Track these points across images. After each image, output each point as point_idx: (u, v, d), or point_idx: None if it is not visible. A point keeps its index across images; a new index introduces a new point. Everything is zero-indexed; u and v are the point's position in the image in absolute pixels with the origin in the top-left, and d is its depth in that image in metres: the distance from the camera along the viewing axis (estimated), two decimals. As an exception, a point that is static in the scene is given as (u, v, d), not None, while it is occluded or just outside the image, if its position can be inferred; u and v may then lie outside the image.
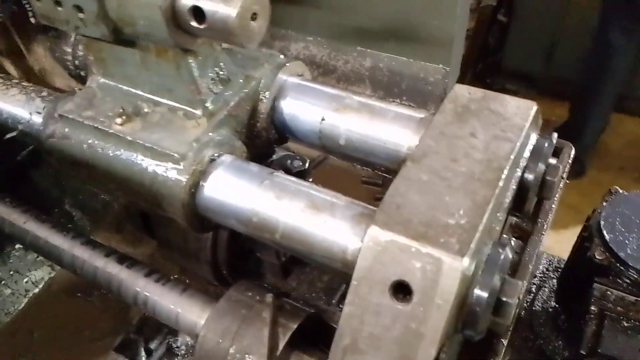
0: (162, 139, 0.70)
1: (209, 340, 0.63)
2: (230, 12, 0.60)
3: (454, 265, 0.51)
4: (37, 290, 1.21)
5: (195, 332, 0.67)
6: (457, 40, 1.15)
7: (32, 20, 0.83)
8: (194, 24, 0.62)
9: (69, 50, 0.89)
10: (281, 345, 0.60)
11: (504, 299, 0.55)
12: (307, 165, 0.82)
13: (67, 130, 0.73)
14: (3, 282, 1.20)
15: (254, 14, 0.63)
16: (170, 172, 0.68)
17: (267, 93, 0.78)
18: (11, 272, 1.21)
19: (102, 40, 0.71)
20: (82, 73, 0.89)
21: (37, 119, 0.79)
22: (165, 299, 0.72)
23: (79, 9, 0.66)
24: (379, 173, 1.21)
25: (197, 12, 0.61)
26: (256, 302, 0.64)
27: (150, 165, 0.69)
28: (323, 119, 0.75)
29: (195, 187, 0.68)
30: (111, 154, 0.71)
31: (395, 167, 0.74)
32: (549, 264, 1.15)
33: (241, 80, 0.76)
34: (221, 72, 0.74)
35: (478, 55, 3.29)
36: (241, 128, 0.77)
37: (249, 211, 0.65)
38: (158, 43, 0.67)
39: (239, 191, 0.66)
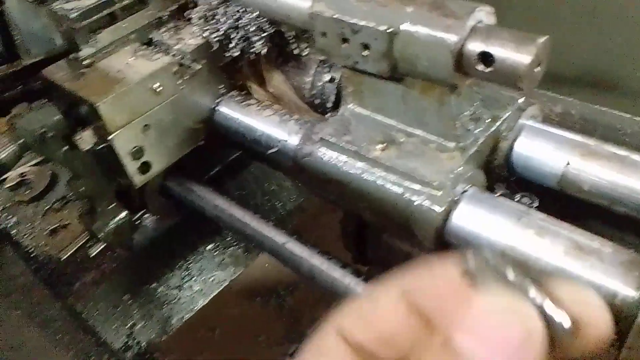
0: (418, 167, 0.76)
1: None
2: (523, 59, 0.64)
3: None
4: (220, 289, 1.33)
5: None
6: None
7: (296, 51, 0.96)
8: (480, 67, 0.68)
9: (309, 80, 0.99)
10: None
11: None
12: (536, 203, 0.84)
13: (325, 151, 0.82)
14: (194, 278, 1.33)
15: (540, 61, 0.67)
16: (427, 199, 0.73)
17: (509, 133, 0.81)
18: (200, 270, 1.34)
19: (370, 75, 0.79)
20: (317, 101, 0.99)
21: (292, 139, 0.89)
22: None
23: (365, 47, 0.74)
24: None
25: (486, 57, 0.67)
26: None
27: (406, 190, 0.75)
28: (568, 164, 0.77)
29: (447, 215, 0.73)
30: (368, 177, 0.78)
31: (644, 218, 0.75)
32: None
33: (488, 120, 0.81)
34: (475, 111, 0.79)
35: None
36: (482, 164, 0.81)
37: (505, 246, 0.68)
38: (431, 81, 0.74)
39: (495, 225, 0.70)
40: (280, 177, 1.49)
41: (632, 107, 1.23)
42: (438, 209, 0.72)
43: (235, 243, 1.38)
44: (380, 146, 0.79)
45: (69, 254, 1.07)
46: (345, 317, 0.34)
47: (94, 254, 1.07)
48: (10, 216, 1.47)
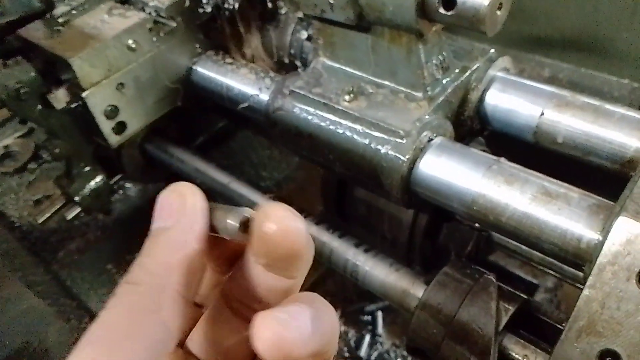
0: (386, 117, 0.75)
1: (428, 309, 0.65)
2: (483, 1, 0.63)
3: None
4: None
5: (405, 303, 0.70)
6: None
7: (269, 4, 0.95)
8: (442, 11, 0.66)
9: (288, 38, 0.98)
10: (503, 322, 0.61)
11: None
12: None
13: (295, 104, 0.81)
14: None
15: (501, 3, 0.66)
16: (393, 147, 0.72)
17: (479, 84, 0.80)
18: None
19: (339, 25, 0.78)
20: (296, 61, 0.98)
21: (265, 95, 0.88)
22: (376, 269, 0.76)
23: (331, -6, 0.73)
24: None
25: (447, 0, 0.66)
26: (478, 277, 0.66)
27: (374, 139, 0.74)
28: (542, 114, 0.75)
29: (413, 163, 0.72)
30: (337, 128, 0.77)
31: (616, 168, 0.73)
32: None
33: (457, 70, 0.79)
34: (443, 60, 0.77)
35: None
36: (451, 114, 0.80)
37: (474, 193, 0.67)
38: (398, 28, 0.72)
39: (464, 173, 0.69)
40: (268, 147, 1.49)
41: (618, 70, 1.22)
42: (403, 157, 0.71)
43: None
44: (349, 97, 0.77)
45: (45, 217, 1.07)
46: None
47: (70, 217, 1.07)
48: (-5, 187, 1.48)
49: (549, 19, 1.22)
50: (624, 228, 0.55)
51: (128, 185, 1.37)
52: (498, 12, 0.66)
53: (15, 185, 1.43)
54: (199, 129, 1.33)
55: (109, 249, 1.32)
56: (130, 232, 1.37)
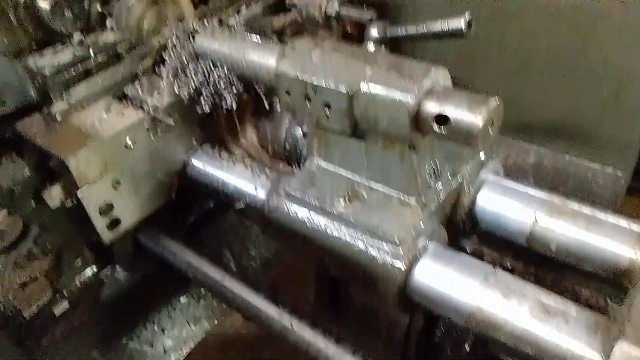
0: (381, 222, 0.76)
1: None
2: (477, 121, 0.66)
3: None
4: (193, 343, 1.29)
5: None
6: (635, 146, 1.14)
7: (265, 103, 0.97)
8: (435, 127, 0.69)
9: (283, 133, 1.00)
10: None
11: None
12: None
13: (291, 206, 0.81)
14: (166, 332, 1.30)
15: (493, 121, 0.69)
16: (389, 255, 0.73)
17: (470, 188, 0.82)
18: (173, 324, 1.31)
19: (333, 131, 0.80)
20: (294, 156, 1.00)
21: (261, 193, 0.89)
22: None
23: (327, 106, 0.76)
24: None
25: (441, 118, 0.68)
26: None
27: (369, 246, 0.74)
28: (535, 222, 0.77)
29: (409, 271, 0.72)
30: (332, 233, 0.77)
31: (610, 277, 0.74)
32: None
33: (449, 174, 0.81)
34: (435, 166, 0.80)
35: None
36: (444, 218, 0.81)
37: (472, 307, 0.67)
38: (391, 139, 0.75)
39: (461, 284, 0.69)
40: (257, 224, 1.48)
41: (602, 157, 1.25)
42: (399, 265, 0.72)
43: (209, 295, 1.35)
44: (344, 201, 0.79)
45: (32, 312, 1.04)
46: None
47: (58, 313, 1.04)
48: (-19, 268, 1.43)
49: (534, 107, 1.27)
50: (624, 353, 0.55)
51: (117, 268, 1.34)
52: (491, 129, 0.69)
53: (1, 266, 1.39)
54: (190, 209, 1.33)
55: (95, 334, 1.28)
56: (117, 316, 1.34)
